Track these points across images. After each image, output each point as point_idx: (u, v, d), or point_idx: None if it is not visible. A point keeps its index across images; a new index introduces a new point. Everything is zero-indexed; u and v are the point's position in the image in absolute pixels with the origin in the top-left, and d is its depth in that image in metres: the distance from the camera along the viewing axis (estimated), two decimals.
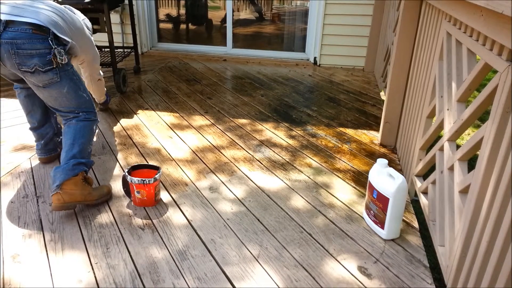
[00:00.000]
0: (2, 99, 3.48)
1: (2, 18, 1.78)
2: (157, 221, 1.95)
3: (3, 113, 3.19)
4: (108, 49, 3.65)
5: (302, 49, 5.09)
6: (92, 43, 2.40)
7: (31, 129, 2.35)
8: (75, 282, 1.58)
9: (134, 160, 2.52)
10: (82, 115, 2.08)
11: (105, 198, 2.07)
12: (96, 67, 2.63)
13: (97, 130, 2.92)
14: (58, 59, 1.88)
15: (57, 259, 1.69)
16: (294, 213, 2.04)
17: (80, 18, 2.28)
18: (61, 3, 2.72)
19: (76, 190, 1.91)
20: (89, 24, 2.39)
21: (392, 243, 1.84)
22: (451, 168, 1.63)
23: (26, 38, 1.79)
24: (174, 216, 1.99)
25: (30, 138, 2.69)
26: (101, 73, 2.78)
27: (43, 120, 2.31)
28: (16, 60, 1.82)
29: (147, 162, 2.50)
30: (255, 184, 2.29)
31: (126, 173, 2.03)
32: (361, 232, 1.91)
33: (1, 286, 1.56)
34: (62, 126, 2.13)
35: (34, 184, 2.23)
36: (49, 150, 2.40)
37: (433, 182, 1.87)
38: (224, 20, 5.23)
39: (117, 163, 2.48)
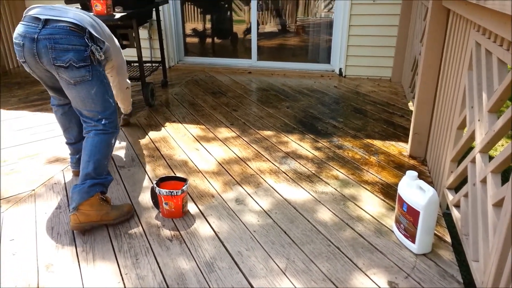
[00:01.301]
0: (36, 113, 3.62)
1: (41, 17, 1.88)
2: (185, 233, 1.97)
3: (37, 126, 3.32)
4: (137, 64, 3.76)
5: (327, 60, 5.08)
6: (120, 50, 2.49)
7: (67, 143, 2.43)
8: None
9: (162, 172, 2.56)
10: (102, 124, 2.05)
11: (125, 218, 2.05)
12: (124, 74, 2.71)
13: (120, 143, 2.99)
14: (96, 55, 1.93)
15: (89, 270, 1.73)
16: (321, 226, 2.02)
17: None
18: None
19: (92, 211, 1.93)
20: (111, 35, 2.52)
21: (424, 257, 1.79)
22: (484, 181, 1.58)
23: (63, 34, 1.86)
24: (201, 227, 2.01)
25: (63, 151, 2.79)
26: (129, 82, 2.86)
27: (79, 137, 2.37)
28: (52, 55, 1.87)
29: (175, 174, 2.53)
30: (281, 196, 2.29)
31: (155, 185, 2.07)
32: (391, 246, 1.87)
33: None
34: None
35: (67, 195, 2.30)
36: None
37: (465, 195, 1.82)
38: (248, 30, 5.28)
39: (146, 175, 2.53)
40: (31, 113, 3.63)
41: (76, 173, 2.48)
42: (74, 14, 1.95)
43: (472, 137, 1.81)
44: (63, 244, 1.90)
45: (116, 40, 2.41)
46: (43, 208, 2.17)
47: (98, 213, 1.95)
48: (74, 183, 2.41)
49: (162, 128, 3.30)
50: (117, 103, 2.85)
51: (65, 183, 2.43)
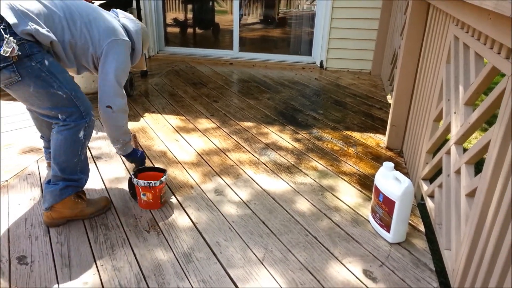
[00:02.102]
0: (10, 102, 3.52)
1: None
2: (163, 224, 1.95)
3: (12, 115, 3.22)
4: None
5: (309, 52, 5.09)
6: (120, 61, 1.94)
7: (41, 138, 2.29)
8: (81, 284, 1.59)
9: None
10: (60, 120, 1.80)
11: (101, 212, 2.01)
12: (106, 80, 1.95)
13: (98, 133, 2.91)
14: (1, 51, 1.54)
15: (63, 261, 1.70)
16: (299, 216, 2.04)
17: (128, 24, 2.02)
18: None
19: (66, 209, 1.89)
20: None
21: (398, 246, 1.82)
22: (458, 172, 1.62)
23: None
24: (179, 218, 2.00)
25: (37, 141, 2.72)
26: (119, 102, 1.99)
27: None
28: None
29: (153, 165, 2.50)
30: (261, 187, 2.29)
31: (132, 176, 2.04)
32: (366, 235, 1.90)
33: None
34: None
35: (41, 186, 2.25)
36: None
37: (440, 186, 1.86)
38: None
39: (124, 165, 2.50)
40: (6, 102, 3.53)
41: (50, 164, 2.41)
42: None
43: (448, 129, 1.85)
44: (37, 235, 1.86)
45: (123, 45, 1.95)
46: (17, 199, 2.12)
47: (72, 211, 1.91)
48: (49, 173, 2.36)
49: (141, 118, 3.25)
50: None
51: (39, 173, 2.37)
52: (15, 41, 1.58)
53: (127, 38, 1.97)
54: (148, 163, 2.52)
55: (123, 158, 2.52)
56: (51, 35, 1.72)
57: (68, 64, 1.89)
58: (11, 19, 1.58)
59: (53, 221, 1.90)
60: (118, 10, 2.14)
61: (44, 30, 1.68)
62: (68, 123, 1.81)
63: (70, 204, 1.89)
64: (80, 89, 1.86)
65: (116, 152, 2.20)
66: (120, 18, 2.06)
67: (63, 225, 1.92)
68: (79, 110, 1.82)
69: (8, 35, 1.57)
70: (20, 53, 1.60)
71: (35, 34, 1.65)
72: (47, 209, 1.87)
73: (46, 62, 1.71)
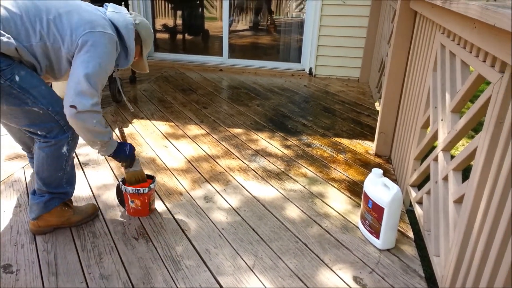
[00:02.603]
0: None
1: None
2: (151, 231, 1.93)
3: None
4: None
5: (298, 59, 5.12)
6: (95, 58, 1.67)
7: (22, 149, 2.24)
8: None
9: None
10: (41, 137, 1.70)
11: (88, 220, 1.98)
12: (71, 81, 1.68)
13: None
14: None
15: (50, 269, 1.67)
16: (289, 223, 2.03)
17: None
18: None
19: (52, 217, 1.86)
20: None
21: (388, 253, 1.83)
22: (446, 178, 1.64)
23: None
24: (168, 225, 1.98)
25: None
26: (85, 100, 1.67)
27: (32, 146, 2.01)
28: None
29: None
30: (250, 194, 2.28)
31: (121, 183, 2.02)
32: (356, 242, 1.90)
33: None
34: None
35: (27, 193, 2.21)
36: None
37: (428, 192, 1.87)
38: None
39: (111, 172, 2.47)
40: None
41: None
42: None
43: (435, 136, 1.87)
44: (23, 243, 1.82)
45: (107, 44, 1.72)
46: (2, 207, 2.08)
47: (59, 219, 1.88)
48: (12, 194, 2.32)
49: (130, 124, 3.23)
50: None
51: (25, 180, 2.33)
52: None
53: (109, 31, 1.71)
54: None
55: (112, 161, 2.50)
56: (12, 41, 1.52)
57: (44, 73, 1.71)
58: None
59: (40, 229, 1.87)
60: (110, 4, 1.90)
61: (4, 38, 1.50)
62: (48, 140, 1.71)
63: (57, 213, 1.87)
64: (61, 102, 1.69)
65: (98, 153, 1.89)
66: (107, 12, 1.82)
67: (50, 232, 1.89)
68: (59, 124, 1.70)
69: None
70: None
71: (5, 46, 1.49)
72: (34, 219, 1.85)
73: (17, 78, 1.56)
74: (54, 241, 1.84)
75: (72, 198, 1.98)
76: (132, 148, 1.99)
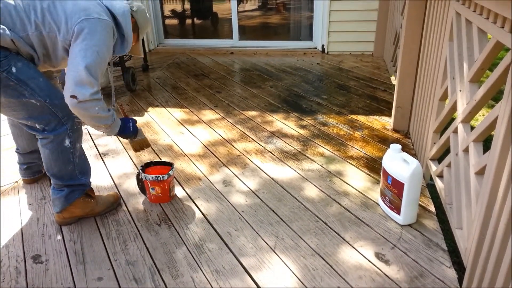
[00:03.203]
0: None
1: None
2: (173, 217, 1.97)
3: None
4: None
5: (309, 37, 5.04)
6: (96, 47, 1.64)
7: (16, 151, 2.19)
8: (96, 279, 1.61)
9: (147, 157, 2.54)
10: (40, 133, 1.72)
11: (111, 208, 2.02)
12: (72, 69, 1.65)
13: None
14: None
15: (78, 258, 1.72)
16: (308, 202, 2.04)
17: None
18: None
19: (76, 209, 1.91)
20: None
21: (409, 228, 1.82)
22: (466, 150, 1.61)
23: None
24: (189, 211, 2.01)
25: None
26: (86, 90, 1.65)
27: (28, 149, 2.14)
28: None
29: (160, 159, 2.51)
30: (268, 176, 2.29)
31: (140, 171, 2.05)
32: (377, 218, 1.90)
33: (25, 287, 1.59)
34: None
35: (50, 184, 2.26)
36: (32, 173, 2.26)
37: (448, 165, 1.85)
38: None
39: (131, 161, 2.51)
40: None
41: (26, 181, 2.27)
42: None
43: (454, 108, 1.83)
44: (50, 234, 1.88)
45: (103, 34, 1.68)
46: (27, 199, 2.14)
47: (82, 210, 1.93)
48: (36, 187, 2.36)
49: (145, 113, 3.25)
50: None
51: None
52: None
53: (105, 17, 1.67)
54: (155, 157, 2.53)
55: (131, 150, 2.53)
56: (8, 32, 1.53)
57: (42, 63, 1.71)
58: None
59: (65, 220, 1.92)
60: None
61: None
62: (47, 136, 1.72)
63: (80, 204, 1.91)
64: (59, 94, 1.70)
65: (104, 133, 1.94)
66: None
67: (75, 223, 1.94)
68: (57, 117, 1.70)
69: None
70: None
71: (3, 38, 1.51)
72: (58, 212, 1.90)
73: (14, 69, 1.57)
74: (80, 231, 1.89)
75: (93, 188, 2.02)
76: (134, 122, 2.00)
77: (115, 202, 2.05)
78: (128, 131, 1.96)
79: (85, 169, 1.92)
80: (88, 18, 1.61)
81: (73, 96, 1.62)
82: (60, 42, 1.65)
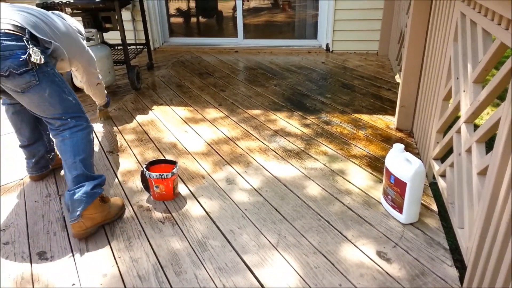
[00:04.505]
0: None
1: None
2: (177, 214, 1.99)
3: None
4: (121, 47, 3.70)
5: (314, 36, 5.04)
6: (84, 47, 2.19)
7: (21, 146, 2.24)
8: (100, 276, 1.63)
9: (151, 155, 2.56)
10: (71, 122, 1.87)
11: (121, 212, 2.00)
12: (92, 71, 2.36)
13: (108, 128, 2.96)
14: (32, 58, 1.68)
15: (82, 255, 1.75)
16: (311, 201, 2.05)
17: (71, 23, 2.11)
18: (59, 6, 2.62)
19: (97, 213, 1.85)
20: (81, 29, 2.22)
21: (411, 227, 1.83)
22: (469, 150, 1.61)
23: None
24: (192, 208, 2.03)
25: None
26: (100, 77, 2.51)
27: (33, 138, 2.20)
28: None
29: (164, 157, 2.53)
30: (271, 174, 2.30)
31: (144, 169, 2.07)
32: (379, 217, 1.91)
33: (30, 283, 1.62)
34: (54, 140, 1.97)
35: (56, 183, 2.29)
36: (40, 168, 2.29)
37: (451, 165, 1.85)
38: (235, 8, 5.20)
39: (135, 158, 2.53)
40: None
41: (33, 178, 2.31)
42: (12, 12, 1.74)
43: (457, 108, 1.83)
44: (55, 231, 1.90)
45: (80, 38, 2.14)
46: (33, 197, 2.17)
47: (101, 214, 1.87)
48: (41, 184, 2.39)
49: (150, 111, 3.27)
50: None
51: (53, 170, 2.41)
52: (39, 50, 1.72)
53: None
54: (159, 155, 2.55)
55: (135, 148, 2.55)
56: (52, 41, 1.84)
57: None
58: (34, 30, 1.74)
59: (87, 230, 1.83)
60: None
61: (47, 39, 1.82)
62: (79, 124, 1.90)
63: (99, 206, 1.87)
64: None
65: (99, 108, 2.98)
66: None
67: (95, 233, 1.86)
68: (85, 116, 1.95)
69: (31, 46, 1.69)
70: (44, 60, 1.73)
71: (54, 46, 1.84)
72: (79, 216, 1.80)
73: (55, 70, 1.83)
74: None
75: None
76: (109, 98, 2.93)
77: (123, 206, 2.03)
78: (109, 101, 2.94)
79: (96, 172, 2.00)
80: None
81: (98, 84, 2.51)
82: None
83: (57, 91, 1.81)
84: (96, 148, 2.66)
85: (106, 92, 2.79)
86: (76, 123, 1.89)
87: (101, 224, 1.89)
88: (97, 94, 2.68)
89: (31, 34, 1.72)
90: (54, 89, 1.80)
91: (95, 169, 2.00)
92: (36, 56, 1.69)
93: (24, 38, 1.68)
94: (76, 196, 1.80)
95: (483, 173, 1.43)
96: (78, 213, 1.80)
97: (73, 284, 1.60)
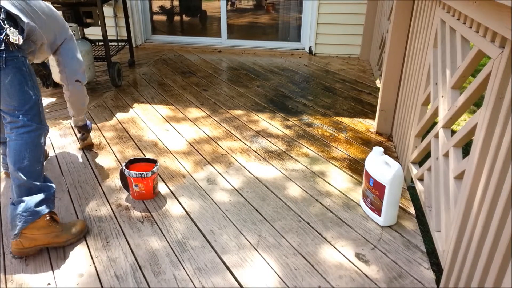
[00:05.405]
0: None
1: None
2: (156, 214, 1.96)
3: None
4: (102, 43, 3.64)
5: (297, 38, 5.07)
6: (65, 26, 2.04)
7: None
8: (76, 275, 1.59)
9: (131, 153, 2.52)
10: (21, 121, 1.68)
11: (78, 238, 1.77)
12: (73, 60, 2.10)
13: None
14: (11, 38, 1.57)
15: (58, 254, 1.71)
16: (291, 202, 2.06)
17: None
18: None
19: (39, 234, 1.65)
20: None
21: (389, 229, 1.86)
22: (446, 155, 1.65)
23: None
24: (172, 208, 2.01)
25: None
26: (82, 76, 2.17)
27: None
28: None
29: (144, 155, 2.50)
30: (252, 175, 2.30)
31: (124, 167, 2.03)
32: (358, 219, 1.93)
33: (4, 283, 1.57)
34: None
35: None
36: None
37: (429, 169, 1.89)
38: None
39: (114, 156, 2.49)
40: None
41: (8, 175, 2.08)
42: None
43: (435, 113, 1.87)
44: None
45: (64, 20, 2.05)
46: (8, 194, 2.10)
47: (45, 236, 1.67)
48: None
49: (130, 109, 3.23)
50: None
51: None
52: (17, 31, 1.62)
53: None
54: (139, 154, 2.51)
55: (114, 146, 2.51)
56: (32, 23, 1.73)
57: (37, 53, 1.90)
58: (13, 10, 1.64)
59: (24, 250, 1.65)
60: None
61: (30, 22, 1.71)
62: (30, 124, 1.71)
63: (44, 227, 1.67)
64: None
65: (75, 126, 2.45)
66: None
67: (33, 254, 1.69)
68: (40, 116, 1.77)
69: (7, 26, 1.59)
70: (20, 42, 1.63)
71: (31, 27, 1.71)
72: (17, 236, 1.63)
73: (26, 60, 1.71)
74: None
75: (76, 183, 1.98)
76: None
77: (82, 231, 1.80)
78: (89, 125, 2.52)
79: (48, 180, 1.79)
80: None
81: (77, 81, 2.14)
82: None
83: (20, 80, 1.67)
84: (75, 145, 2.60)
85: (87, 108, 2.36)
86: (25, 123, 1.70)
87: (45, 247, 1.71)
88: (74, 98, 2.25)
89: (6, 12, 1.61)
90: (17, 78, 1.66)
91: (48, 176, 1.82)
92: (14, 36, 1.60)
93: None
94: (18, 210, 1.62)
95: (459, 177, 1.47)
96: (16, 231, 1.62)
97: (48, 284, 1.56)
